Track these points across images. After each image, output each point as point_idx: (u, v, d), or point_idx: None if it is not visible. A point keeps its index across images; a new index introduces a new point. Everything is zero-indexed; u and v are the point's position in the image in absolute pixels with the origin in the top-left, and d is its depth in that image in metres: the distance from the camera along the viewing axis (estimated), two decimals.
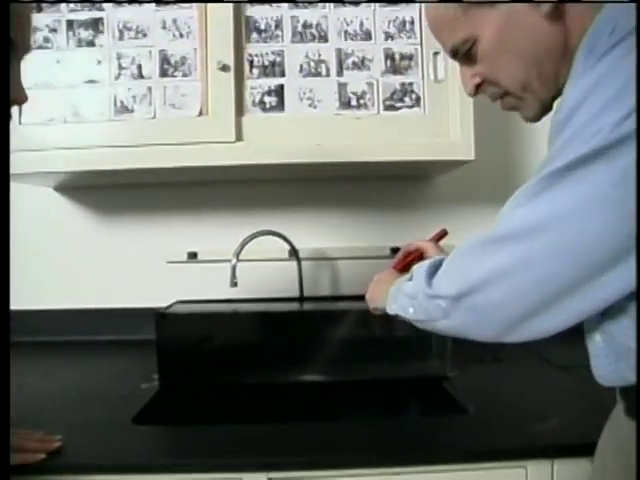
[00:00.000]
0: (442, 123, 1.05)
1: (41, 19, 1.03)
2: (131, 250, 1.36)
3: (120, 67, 1.04)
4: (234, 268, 1.09)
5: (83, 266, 1.35)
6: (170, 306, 1.07)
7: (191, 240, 1.35)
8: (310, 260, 1.33)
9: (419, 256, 0.85)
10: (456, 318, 0.54)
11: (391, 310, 0.66)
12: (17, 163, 0.91)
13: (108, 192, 1.35)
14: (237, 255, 1.09)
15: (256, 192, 1.34)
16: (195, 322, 1.03)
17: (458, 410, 0.84)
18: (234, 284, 1.08)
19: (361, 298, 0.80)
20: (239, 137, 1.03)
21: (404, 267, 0.84)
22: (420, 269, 0.60)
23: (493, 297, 0.50)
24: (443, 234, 0.91)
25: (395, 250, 1.32)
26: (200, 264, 1.34)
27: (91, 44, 1.04)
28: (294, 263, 1.23)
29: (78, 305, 1.32)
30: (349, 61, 1.05)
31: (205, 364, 0.97)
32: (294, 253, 1.22)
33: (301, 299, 1.20)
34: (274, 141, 1.03)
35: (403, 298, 0.63)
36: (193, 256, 1.34)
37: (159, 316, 0.96)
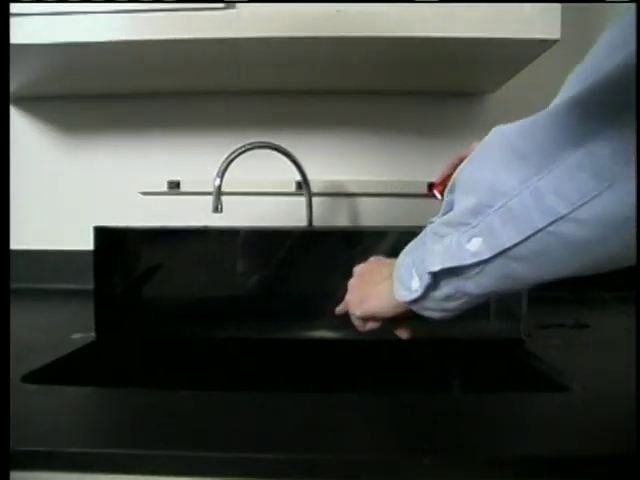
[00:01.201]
0: None
1: None
2: (98, 178, 1.08)
3: None
4: (218, 189, 0.80)
5: (38, 196, 1.08)
6: None
7: (173, 166, 1.07)
8: (323, 196, 1.04)
9: None
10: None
11: (412, 288, 0.42)
12: None
13: (71, 105, 1.07)
14: (222, 174, 0.80)
15: (256, 108, 1.05)
16: (149, 243, 0.73)
17: (547, 385, 0.54)
18: (217, 209, 0.79)
19: None
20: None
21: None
22: None
23: None
24: None
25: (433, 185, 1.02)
26: (183, 196, 1.06)
27: None
28: (302, 199, 0.94)
29: (28, 245, 1.06)
30: None
31: (161, 308, 0.69)
32: (304, 185, 0.93)
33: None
34: (276, 6, 0.73)
35: (446, 239, 0.39)
36: (175, 186, 1.06)
37: (97, 233, 0.66)
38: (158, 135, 1.08)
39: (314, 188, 0.96)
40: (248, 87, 1.02)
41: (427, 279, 0.39)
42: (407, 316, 0.48)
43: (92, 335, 0.66)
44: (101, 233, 0.66)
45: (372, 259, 0.55)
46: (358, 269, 0.54)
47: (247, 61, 0.87)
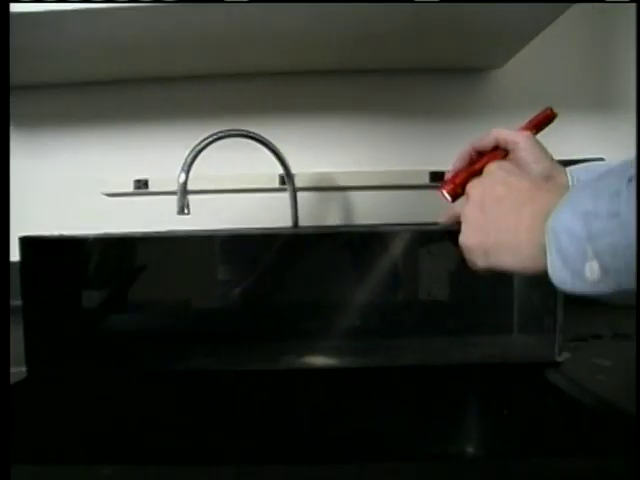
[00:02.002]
0: None
1: None
2: (56, 177, 0.95)
3: None
4: (184, 187, 0.67)
5: None
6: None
7: (139, 163, 0.94)
8: (310, 191, 0.92)
9: (499, 159, 0.49)
10: None
11: (585, 275, 0.30)
12: None
13: (17, 94, 0.94)
14: (187, 168, 0.68)
15: (234, 94, 0.92)
16: (95, 253, 0.59)
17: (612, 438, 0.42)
18: (182, 210, 0.66)
19: None
20: None
21: (470, 177, 0.49)
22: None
23: None
24: (549, 116, 0.51)
25: (436, 175, 0.89)
26: (153, 197, 0.94)
27: None
28: (286, 195, 0.81)
29: None
30: None
31: (111, 334, 0.56)
32: (287, 179, 0.80)
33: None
34: None
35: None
36: (143, 185, 0.93)
37: (24, 244, 0.53)
38: (122, 128, 0.95)
39: (299, 182, 0.84)
40: (224, 70, 0.89)
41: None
42: None
43: (22, 370, 0.53)
44: (29, 244, 0.53)
45: (497, 164, 0.43)
46: (479, 190, 0.41)
47: (218, 39, 0.74)
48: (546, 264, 0.32)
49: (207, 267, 0.66)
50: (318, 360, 0.53)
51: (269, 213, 0.90)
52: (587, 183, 0.32)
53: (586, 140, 0.91)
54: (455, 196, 0.51)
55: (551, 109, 0.51)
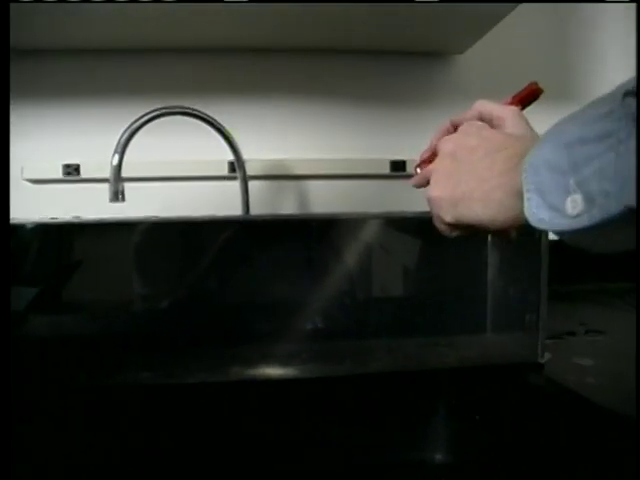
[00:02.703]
0: None
1: None
2: None
3: None
4: (117, 171, 0.58)
5: None
6: None
7: (70, 146, 0.83)
8: (263, 179, 0.84)
9: None
10: None
11: (566, 211, 0.26)
12: None
13: None
14: (122, 149, 0.59)
15: (179, 69, 0.84)
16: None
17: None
18: (116, 196, 0.58)
19: None
20: None
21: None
22: None
23: None
24: (534, 92, 0.47)
25: (398, 165, 0.84)
26: (84, 184, 0.83)
27: None
28: (236, 184, 0.74)
29: None
30: None
31: (30, 343, 0.47)
32: (237, 166, 0.72)
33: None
34: None
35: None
36: (73, 171, 0.83)
37: None
38: (48, 105, 0.84)
39: (250, 170, 0.76)
40: (169, 43, 0.80)
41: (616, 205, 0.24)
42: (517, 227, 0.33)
43: None
44: None
45: (469, 124, 0.40)
46: (450, 142, 0.38)
47: (163, 8, 0.65)
48: (517, 213, 0.30)
49: (140, 260, 0.57)
50: (273, 370, 0.46)
51: (216, 204, 0.82)
52: (573, 113, 0.28)
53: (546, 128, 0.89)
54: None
55: (536, 83, 0.47)
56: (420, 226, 0.54)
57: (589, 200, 0.25)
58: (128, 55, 0.82)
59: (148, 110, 0.63)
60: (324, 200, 0.86)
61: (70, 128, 0.84)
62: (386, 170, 0.84)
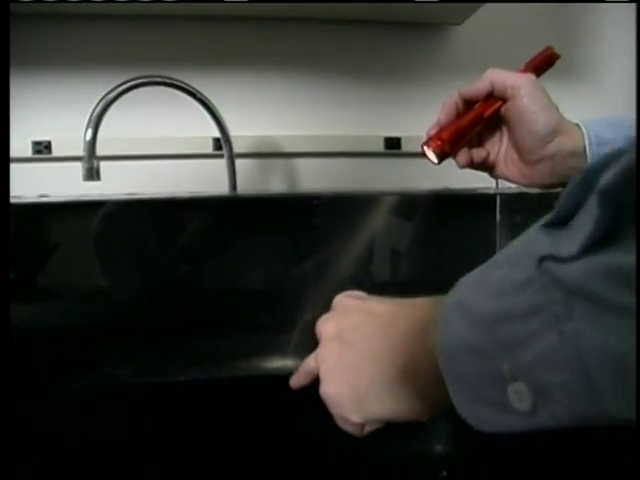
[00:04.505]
0: None
1: None
2: None
3: None
4: (91, 146, 0.53)
5: None
6: None
7: (40, 122, 0.77)
8: (250, 157, 0.80)
9: (496, 110, 0.41)
10: None
11: (516, 409, 0.19)
12: None
13: None
14: (95, 123, 0.54)
15: (160, 38, 0.78)
16: None
17: None
18: (91, 174, 0.53)
19: None
20: None
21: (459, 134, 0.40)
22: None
23: None
24: (550, 57, 0.43)
25: (392, 142, 0.80)
26: (56, 162, 0.77)
27: None
28: (222, 162, 0.69)
29: None
30: None
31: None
32: (224, 142, 0.68)
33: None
34: None
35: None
36: (44, 149, 0.77)
37: None
38: (16, 76, 0.77)
39: (237, 147, 0.72)
40: (149, 10, 0.74)
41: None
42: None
43: None
44: None
45: (342, 298, 0.33)
46: (330, 322, 0.31)
47: None
48: (442, 398, 0.22)
49: (120, 242, 0.53)
50: (267, 363, 0.42)
51: (201, 183, 0.77)
52: (467, 279, 0.23)
53: None
54: (442, 155, 0.41)
55: (552, 48, 0.43)
56: (421, 205, 0.50)
57: (540, 392, 0.19)
58: (105, 21, 0.76)
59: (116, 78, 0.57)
60: (314, 179, 0.81)
61: (40, 101, 0.78)
62: (380, 147, 0.80)
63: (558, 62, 0.85)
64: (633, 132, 0.34)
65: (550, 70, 0.91)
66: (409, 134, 0.79)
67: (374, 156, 0.80)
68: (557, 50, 0.47)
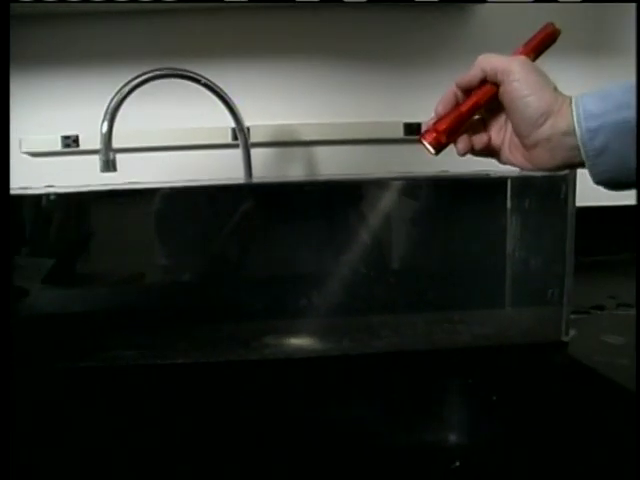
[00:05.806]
0: None
1: None
2: None
3: None
4: (108, 138, 0.55)
5: None
6: None
7: (68, 118, 0.80)
8: (268, 146, 0.80)
9: (492, 96, 0.40)
10: None
11: None
12: None
13: None
14: (112, 115, 0.55)
15: (179, 32, 0.79)
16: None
17: None
18: (107, 166, 0.54)
19: None
20: None
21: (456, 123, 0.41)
22: None
23: None
24: (551, 34, 0.41)
25: (412, 128, 0.79)
26: (84, 156, 0.80)
27: None
28: (238, 152, 0.70)
29: None
30: None
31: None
32: (239, 132, 0.68)
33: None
34: None
35: None
36: (72, 142, 0.80)
37: None
38: (45, 74, 0.80)
39: (255, 137, 0.72)
40: (169, 5, 0.75)
41: None
42: None
43: None
44: None
45: None
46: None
47: None
48: None
49: (143, 230, 0.54)
50: (273, 350, 0.43)
51: (217, 173, 0.78)
52: None
53: (576, 84, 0.82)
54: (439, 147, 0.41)
55: (552, 24, 0.41)
56: (435, 190, 0.49)
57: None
58: (125, 17, 0.78)
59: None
60: (333, 167, 0.81)
61: (68, 98, 0.81)
62: (400, 134, 0.78)
63: (588, 37, 0.81)
64: (624, 97, 0.34)
65: (582, 45, 0.86)
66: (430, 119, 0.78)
67: (394, 143, 0.79)
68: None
